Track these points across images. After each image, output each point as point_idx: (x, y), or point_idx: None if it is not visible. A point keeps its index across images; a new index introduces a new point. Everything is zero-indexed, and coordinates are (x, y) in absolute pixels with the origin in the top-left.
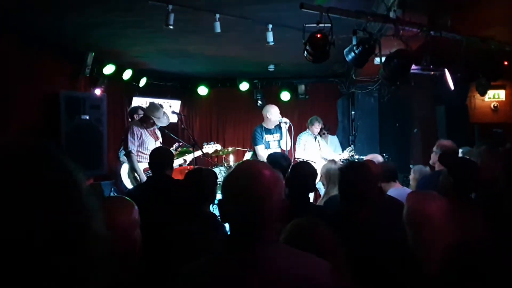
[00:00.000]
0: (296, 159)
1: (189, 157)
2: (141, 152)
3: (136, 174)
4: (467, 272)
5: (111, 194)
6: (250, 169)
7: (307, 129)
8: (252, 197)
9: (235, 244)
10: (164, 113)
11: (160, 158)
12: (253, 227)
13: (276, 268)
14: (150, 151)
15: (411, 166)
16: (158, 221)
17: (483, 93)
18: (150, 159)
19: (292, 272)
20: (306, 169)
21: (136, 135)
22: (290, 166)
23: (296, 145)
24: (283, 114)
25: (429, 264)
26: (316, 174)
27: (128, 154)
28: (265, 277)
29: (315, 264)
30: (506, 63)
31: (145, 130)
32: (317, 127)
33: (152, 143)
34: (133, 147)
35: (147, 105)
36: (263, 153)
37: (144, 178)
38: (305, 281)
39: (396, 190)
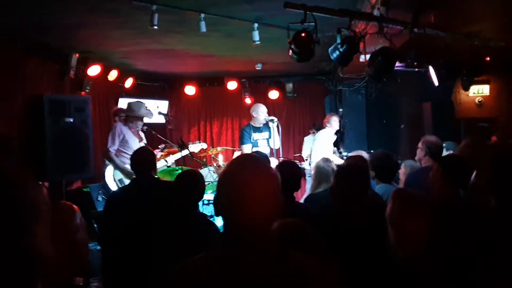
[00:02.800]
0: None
1: (171, 159)
2: (125, 153)
3: (122, 175)
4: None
5: (99, 197)
6: (246, 164)
7: (326, 127)
8: (243, 190)
9: (229, 241)
10: (146, 107)
11: (144, 159)
12: (247, 224)
13: (271, 267)
14: None
15: (399, 161)
16: (147, 223)
17: (466, 88)
18: (132, 161)
19: (283, 272)
20: (290, 168)
21: (118, 135)
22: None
23: (314, 147)
24: (271, 112)
25: (408, 263)
26: (301, 173)
27: (107, 152)
28: (257, 276)
29: (306, 263)
30: (488, 58)
31: (130, 130)
32: (336, 121)
33: (136, 143)
34: (112, 146)
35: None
36: (249, 152)
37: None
38: (296, 282)
39: (383, 187)
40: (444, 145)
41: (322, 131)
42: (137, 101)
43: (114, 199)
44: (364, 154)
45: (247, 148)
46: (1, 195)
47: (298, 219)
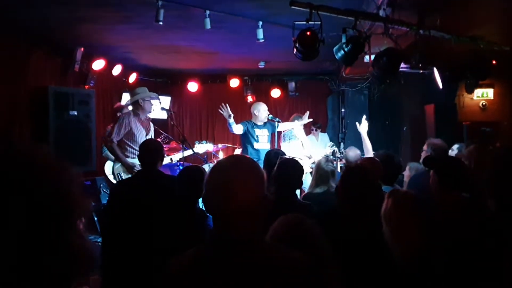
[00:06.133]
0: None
1: (176, 157)
2: (130, 146)
3: (121, 169)
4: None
5: (101, 190)
6: (231, 163)
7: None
8: (229, 190)
9: (217, 239)
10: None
11: (150, 152)
12: (233, 221)
13: (256, 264)
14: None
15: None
16: (149, 215)
17: (470, 91)
18: (140, 152)
19: (272, 268)
20: (292, 165)
21: (125, 127)
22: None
23: (282, 142)
24: (273, 111)
25: (403, 261)
26: (303, 171)
27: (110, 142)
28: (245, 273)
29: (295, 260)
30: (494, 62)
31: (138, 122)
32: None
33: (143, 137)
34: (117, 137)
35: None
36: (237, 128)
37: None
38: (285, 277)
39: (386, 189)
40: (457, 146)
41: (285, 133)
42: (139, 88)
43: (117, 191)
44: (358, 151)
45: (238, 127)
46: (52, 191)
47: (300, 214)
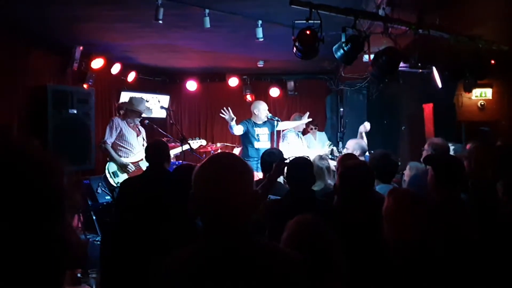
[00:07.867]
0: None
1: (171, 153)
2: (122, 146)
3: (116, 168)
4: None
5: (99, 189)
6: (217, 160)
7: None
8: (218, 187)
9: (208, 239)
10: (147, 101)
11: (156, 151)
12: (222, 219)
13: (246, 263)
14: (132, 145)
15: (398, 162)
16: (150, 214)
17: (468, 90)
18: (146, 152)
19: (264, 267)
20: (302, 163)
21: (115, 128)
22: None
23: (281, 142)
24: (272, 110)
25: (403, 258)
26: (312, 166)
27: (104, 143)
28: (235, 272)
29: (288, 259)
30: (493, 62)
31: (126, 124)
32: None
33: (134, 137)
34: (109, 138)
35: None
36: (236, 129)
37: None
38: (275, 275)
39: (383, 187)
40: (452, 147)
41: (285, 132)
42: (139, 97)
43: (124, 189)
44: (363, 143)
45: (238, 128)
46: (42, 183)
47: (316, 216)
